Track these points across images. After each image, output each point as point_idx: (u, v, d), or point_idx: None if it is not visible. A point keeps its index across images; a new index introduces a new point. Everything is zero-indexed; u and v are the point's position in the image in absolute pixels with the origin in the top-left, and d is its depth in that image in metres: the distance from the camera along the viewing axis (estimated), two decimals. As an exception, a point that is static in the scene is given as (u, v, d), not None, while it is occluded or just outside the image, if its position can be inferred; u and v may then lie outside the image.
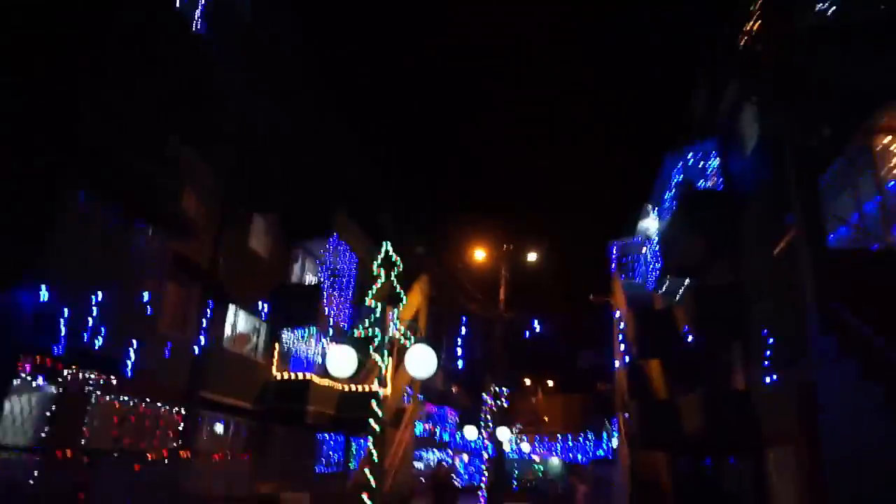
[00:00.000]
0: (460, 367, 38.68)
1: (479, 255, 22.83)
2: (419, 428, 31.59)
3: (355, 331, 9.70)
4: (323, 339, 21.97)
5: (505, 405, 15.75)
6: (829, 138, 6.95)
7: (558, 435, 42.27)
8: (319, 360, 23.20)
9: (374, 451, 9.48)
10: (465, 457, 40.66)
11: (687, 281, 21.71)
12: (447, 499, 15.56)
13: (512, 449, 27.47)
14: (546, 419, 54.29)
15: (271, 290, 20.38)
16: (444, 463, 14.92)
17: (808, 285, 5.79)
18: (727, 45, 16.09)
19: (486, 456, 16.03)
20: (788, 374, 13.26)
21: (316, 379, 19.53)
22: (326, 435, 23.82)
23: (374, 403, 16.15)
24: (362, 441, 25.32)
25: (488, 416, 15.87)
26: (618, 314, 25.61)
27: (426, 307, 27.40)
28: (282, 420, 19.15)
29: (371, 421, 8.86)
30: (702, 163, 19.27)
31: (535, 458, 42.81)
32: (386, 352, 9.97)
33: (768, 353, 13.50)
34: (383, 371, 22.45)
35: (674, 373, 22.66)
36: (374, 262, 8.89)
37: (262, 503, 15.19)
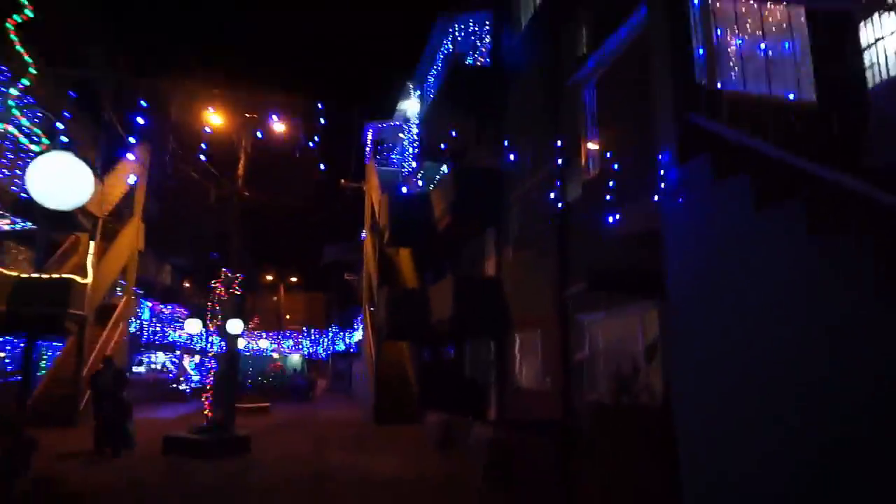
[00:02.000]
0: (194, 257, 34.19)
1: (217, 120, 18.78)
2: (135, 327, 27.05)
3: None
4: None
5: (238, 292, 13.01)
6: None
7: (302, 330, 40.72)
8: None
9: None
10: (197, 357, 36.98)
11: (444, 167, 20.79)
12: (105, 408, 11.69)
13: (248, 346, 24.86)
14: (288, 317, 52.42)
15: None
16: (102, 365, 11.03)
17: (668, 103, 4.25)
18: None
19: (212, 353, 13.39)
20: (547, 250, 12.83)
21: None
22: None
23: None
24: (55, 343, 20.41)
25: (217, 307, 13.00)
26: (370, 201, 24.00)
27: (145, 180, 22.60)
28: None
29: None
30: (472, 38, 17.81)
31: (275, 355, 40.87)
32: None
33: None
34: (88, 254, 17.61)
35: (425, 261, 22.06)
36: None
37: None
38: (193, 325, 13.31)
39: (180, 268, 42.54)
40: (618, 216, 6.67)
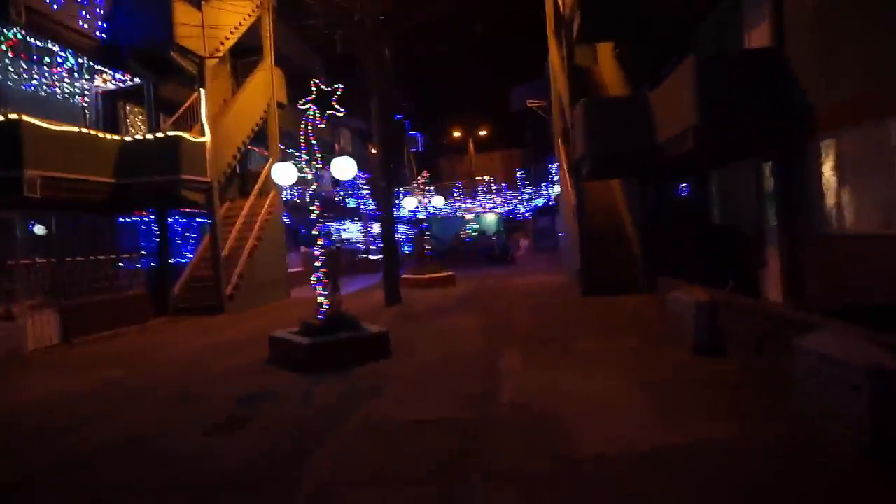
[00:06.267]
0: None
1: None
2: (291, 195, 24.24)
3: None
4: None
5: (341, 112, 8.02)
6: None
7: (495, 186, 36.17)
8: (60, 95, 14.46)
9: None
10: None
11: None
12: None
13: (419, 207, 20.81)
14: (486, 178, 48.30)
15: None
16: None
17: None
18: None
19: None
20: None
21: (38, 122, 11.19)
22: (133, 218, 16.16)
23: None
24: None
25: (312, 142, 8.20)
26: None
27: (270, 15, 18.27)
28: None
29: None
30: None
31: (468, 216, 37.14)
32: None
33: None
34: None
35: (637, 67, 15.13)
36: None
37: None
38: (283, 172, 8.69)
39: (362, 132, 39.82)
40: None
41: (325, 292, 8.50)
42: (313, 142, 8.62)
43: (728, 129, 9.27)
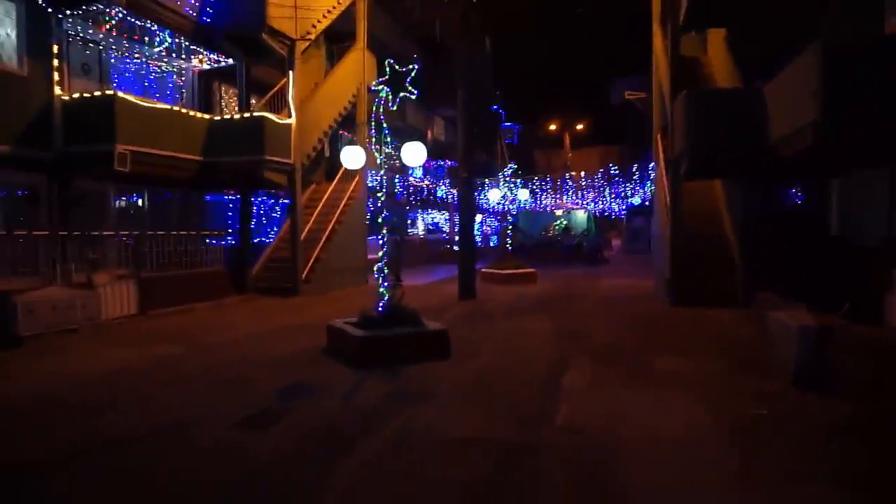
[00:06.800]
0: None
1: None
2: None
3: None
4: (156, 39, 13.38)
5: (413, 95, 7.56)
6: None
7: (586, 182, 34.76)
8: (170, 82, 14.88)
9: None
10: (478, 216, 33.96)
11: None
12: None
13: (504, 199, 20.06)
14: (583, 173, 46.71)
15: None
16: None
17: None
18: None
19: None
20: None
21: (132, 98, 11.50)
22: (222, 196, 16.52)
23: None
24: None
25: (383, 124, 7.78)
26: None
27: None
28: (82, 172, 11.62)
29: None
30: None
31: (558, 211, 35.93)
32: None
33: None
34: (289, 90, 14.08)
35: (751, 50, 13.69)
36: None
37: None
38: (351, 156, 8.38)
39: (455, 121, 39.57)
40: None
41: (386, 283, 8.11)
42: (384, 125, 8.20)
43: (857, 128, 7.99)
